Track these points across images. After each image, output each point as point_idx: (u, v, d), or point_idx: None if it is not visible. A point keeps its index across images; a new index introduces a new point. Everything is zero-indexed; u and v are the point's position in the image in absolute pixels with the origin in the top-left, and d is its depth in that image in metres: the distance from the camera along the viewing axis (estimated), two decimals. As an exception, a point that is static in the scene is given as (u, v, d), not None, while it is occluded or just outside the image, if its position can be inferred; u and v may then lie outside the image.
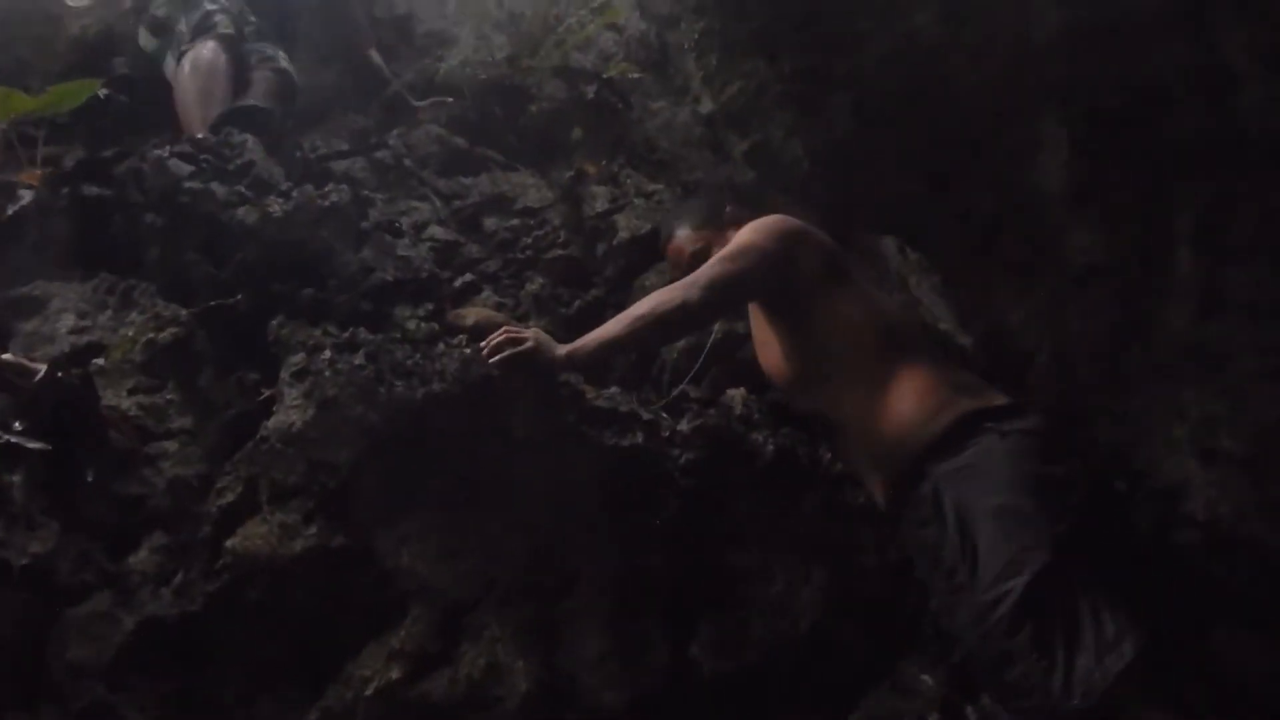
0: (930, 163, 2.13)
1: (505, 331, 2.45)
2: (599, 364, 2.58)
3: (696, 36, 2.29)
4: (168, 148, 3.01)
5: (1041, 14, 1.88)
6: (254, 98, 3.61)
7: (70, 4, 4.09)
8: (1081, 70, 1.89)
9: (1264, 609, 1.97)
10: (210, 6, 3.74)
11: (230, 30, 3.70)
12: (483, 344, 2.40)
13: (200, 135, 3.23)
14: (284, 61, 3.86)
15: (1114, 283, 1.99)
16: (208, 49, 3.60)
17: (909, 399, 2.20)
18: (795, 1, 2.06)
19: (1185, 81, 1.81)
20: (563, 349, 2.37)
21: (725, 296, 2.42)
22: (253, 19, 3.90)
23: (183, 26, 3.72)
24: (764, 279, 2.42)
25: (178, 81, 3.59)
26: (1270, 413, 1.82)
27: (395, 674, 2.11)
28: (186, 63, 3.59)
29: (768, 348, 2.57)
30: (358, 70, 4.34)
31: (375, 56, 4.38)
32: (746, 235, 2.45)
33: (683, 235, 2.82)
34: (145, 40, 3.80)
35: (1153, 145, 1.88)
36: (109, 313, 2.74)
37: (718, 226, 2.72)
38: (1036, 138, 1.99)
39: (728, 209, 2.74)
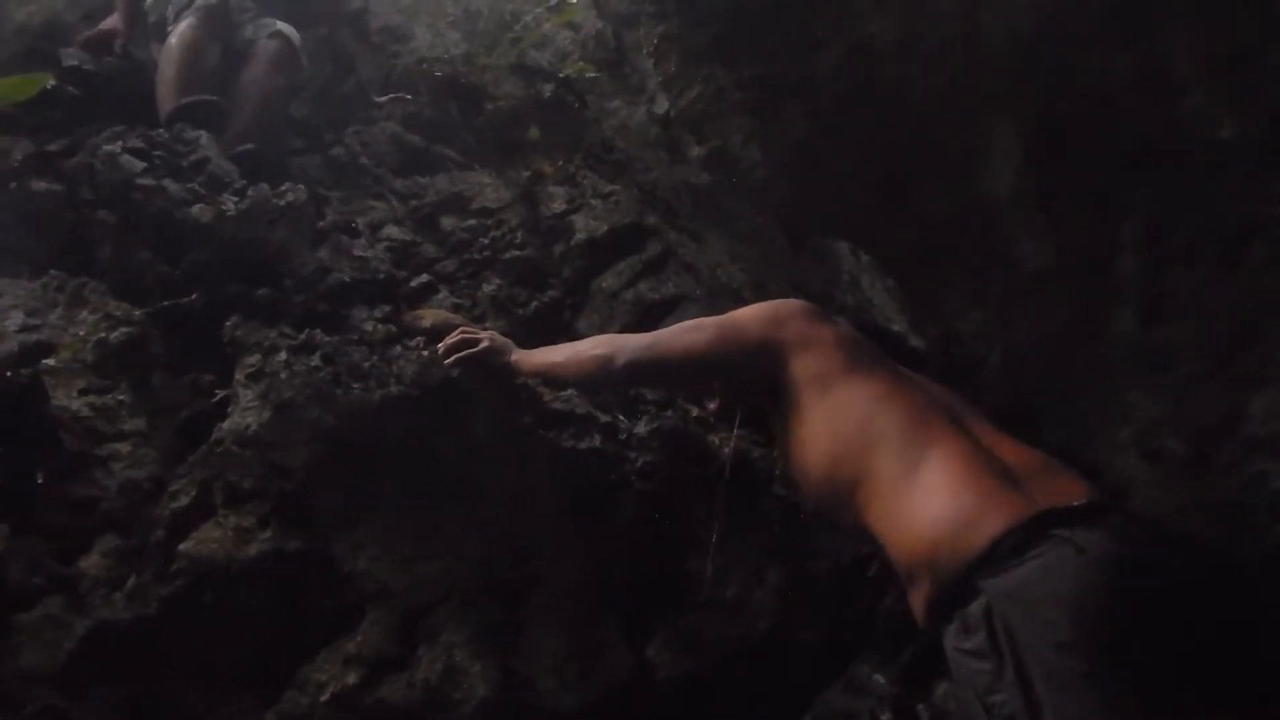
0: (884, 168, 2.15)
1: (461, 332, 2.47)
2: (540, 379, 2.53)
3: (655, 42, 2.30)
4: (119, 143, 2.97)
5: (990, 23, 1.90)
6: (255, 72, 3.56)
7: (15, -11, 4.00)
8: (1029, 78, 1.92)
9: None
10: None
11: (213, 1, 3.63)
12: (439, 345, 2.42)
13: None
14: (283, 27, 3.80)
15: (1062, 287, 2.02)
16: (186, 27, 3.56)
17: (943, 500, 1.77)
18: (752, 8, 2.08)
19: (1129, 88, 1.84)
20: (514, 354, 2.38)
21: (661, 371, 2.21)
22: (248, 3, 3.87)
23: (169, 11, 3.67)
24: (722, 362, 2.19)
25: (160, 63, 3.56)
26: (1212, 414, 1.86)
27: (352, 679, 2.11)
28: (165, 46, 3.55)
29: (785, 454, 2.19)
30: (333, 56, 4.30)
31: (345, 41, 4.35)
32: (735, 312, 2.24)
33: None
34: (156, 53, 3.75)
35: (1099, 151, 1.91)
36: (59, 311, 2.70)
37: None
38: (987, 144, 2.02)
39: None
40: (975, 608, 1.65)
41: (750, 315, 2.20)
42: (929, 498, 1.79)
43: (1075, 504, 1.71)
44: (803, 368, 2.09)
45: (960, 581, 1.69)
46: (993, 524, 1.68)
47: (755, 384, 2.20)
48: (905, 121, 2.06)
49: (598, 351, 2.23)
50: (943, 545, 1.72)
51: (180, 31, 3.55)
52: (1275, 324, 1.74)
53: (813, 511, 2.31)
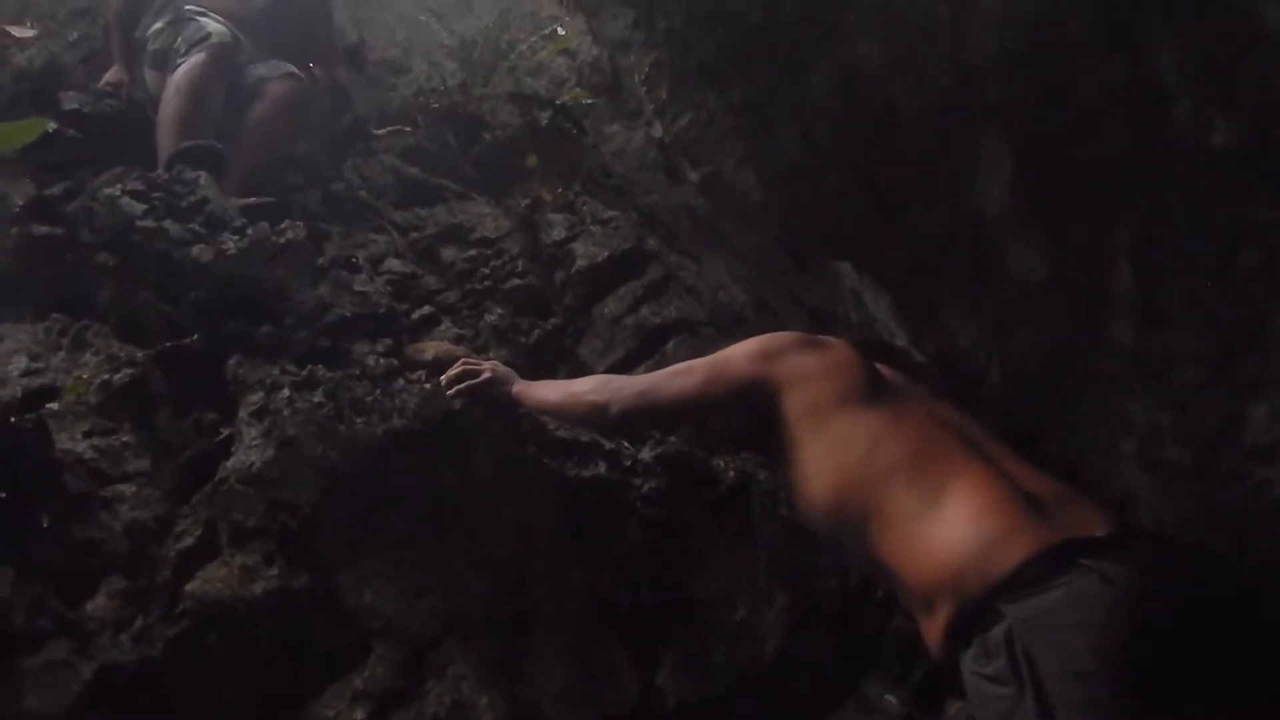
0: (877, 188, 2.16)
1: (463, 363, 2.49)
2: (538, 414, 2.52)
3: (646, 69, 2.31)
4: (119, 186, 2.99)
5: (979, 38, 1.91)
6: (267, 112, 3.59)
7: (15, 34, 4.04)
8: (1018, 92, 1.92)
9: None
10: (202, 20, 3.68)
11: (226, 39, 3.63)
12: (441, 377, 2.43)
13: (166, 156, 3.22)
14: (290, 70, 3.81)
15: (1058, 299, 2.01)
16: (198, 65, 3.53)
17: (968, 525, 1.75)
18: (740, 34, 2.09)
19: (1118, 98, 1.84)
20: (516, 385, 2.39)
21: (653, 416, 2.25)
22: (248, 44, 3.88)
23: (179, 43, 3.64)
24: (712, 405, 2.21)
25: (162, 100, 3.53)
26: (1212, 422, 1.85)
27: (359, 715, 2.10)
28: (173, 80, 3.52)
29: (790, 488, 2.16)
30: (331, 93, 4.32)
31: (342, 77, 4.37)
32: (724, 351, 2.23)
33: None
34: (152, 81, 3.75)
35: (1089, 162, 1.91)
36: (62, 354, 2.72)
37: None
38: (978, 159, 2.02)
39: None
40: (997, 632, 1.62)
41: (739, 354, 2.18)
42: (952, 524, 1.76)
43: (1100, 534, 1.70)
44: (796, 403, 2.06)
45: (983, 605, 1.66)
46: (1019, 548, 1.66)
47: (752, 419, 2.18)
48: (896, 140, 2.07)
49: (592, 398, 2.23)
50: (968, 569, 1.69)
51: (191, 69, 3.51)
52: (1272, 330, 1.73)
53: (824, 539, 2.24)
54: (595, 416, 2.23)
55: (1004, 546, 1.68)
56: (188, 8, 3.76)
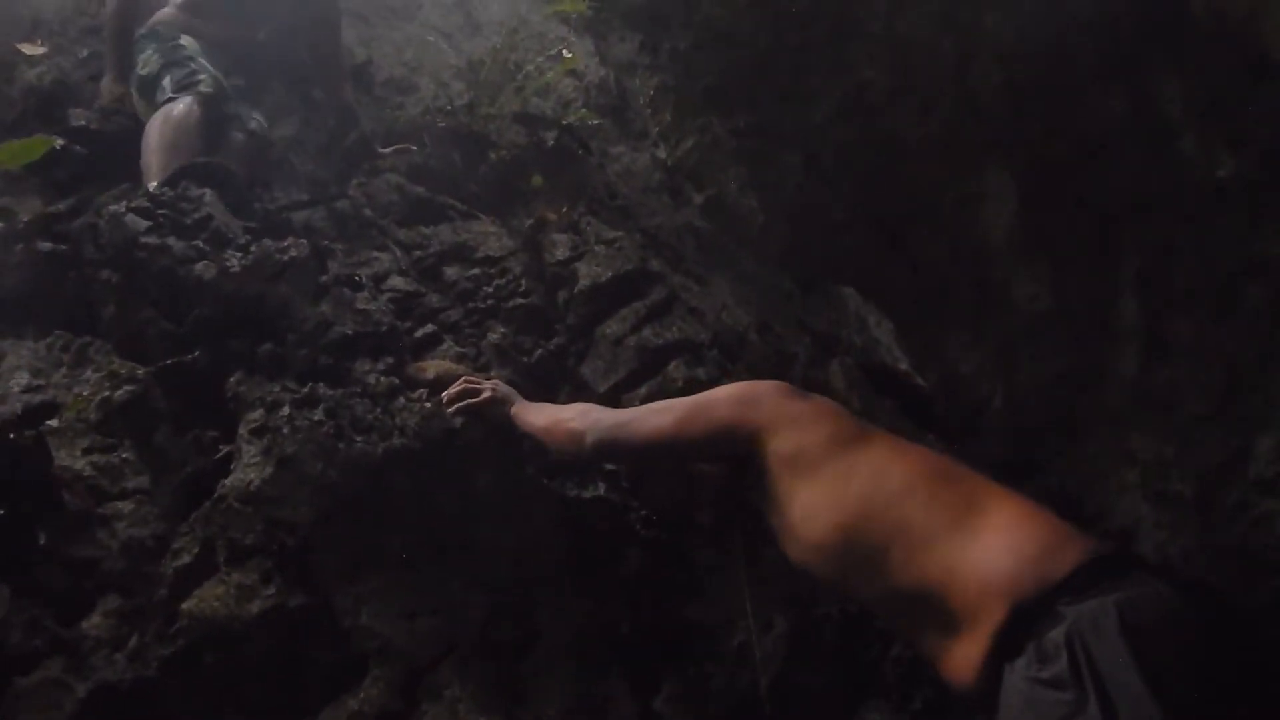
0: (881, 214, 2.16)
1: (464, 382, 2.48)
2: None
3: (652, 93, 2.32)
4: (124, 202, 2.98)
5: (984, 70, 1.91)
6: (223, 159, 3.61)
7: (25, 51, 4.06)
8: (1024, 123, 1.93)
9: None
10: (194, 66, 3.72)
11: (210, 90, 3.67)
12: (442, 395, 2.42)
13: (153, 185, 3.21)
14: (256, 123, 3.85)
15: (1062, 330, 2.01)
16: (183, 104, 3.56)
17: (1016, 531, 1.71)
18: (744, 59, 2.10)
19: (1124, 133, 1.85)
20: (516, 406, 2.38)
21: (628, 452, 2.20)
22: (237, 80, 3.90)
23: (166, 82, 3.68)
24: (690, 445, 2.12)
25: (146, 133, 3.54)
26: (1216, 455, 1.84)
27: (355, 736, 2.08)
28: (159, 115, 3.55)
29: (783, 535, 2.04)
30: (338, 111, 4.33)
31: (350, 95, 4.38)
32: (706, 393, 2.18)
33: None
34: (141, 107, 3.77)
35: (1095, 195, 1.92)
36: (63, 371, 2.71)
37: None
38: (983, 189, 2.02)
39: None
40: (1056, 634, 1.55)
41: (721, 396, 2.13)
42: (998, 531, 1.71)
43: (1131, 551, 1.73)
44: (783, 445, 2.00)
45: (1042, 605, 1.60)
46: (1073, 551, 1.63)
47: (731, 463, 2.13)
48: (901, 168, 2.07)
49: (572, 425, 2.21)
50: (1025, 570, 1.63)
51: (172, 115, 3.52)
52: (1278, 364, 1.73)
53: (824, 587, 2.15)
54: (572, 444, 2.21)
55: (1058, 549, 1.64)
56: (182, 41, 3.79)
